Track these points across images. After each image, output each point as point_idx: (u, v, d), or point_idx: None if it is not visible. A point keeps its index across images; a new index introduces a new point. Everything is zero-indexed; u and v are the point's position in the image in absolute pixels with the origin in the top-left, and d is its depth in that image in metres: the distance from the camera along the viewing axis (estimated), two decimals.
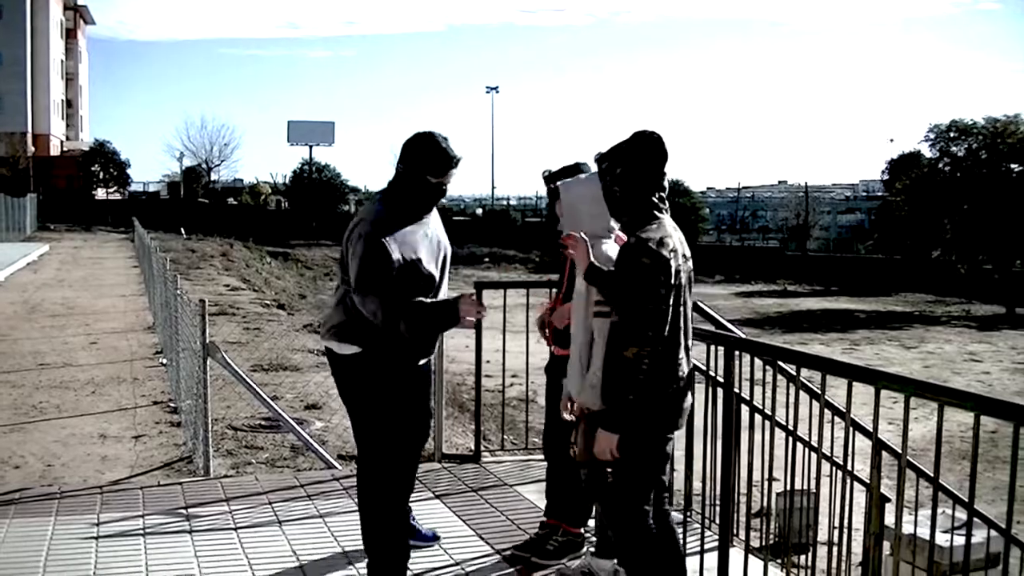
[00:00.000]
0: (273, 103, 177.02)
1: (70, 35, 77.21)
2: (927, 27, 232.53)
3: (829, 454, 4.66)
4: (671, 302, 3.87)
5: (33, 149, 64.28)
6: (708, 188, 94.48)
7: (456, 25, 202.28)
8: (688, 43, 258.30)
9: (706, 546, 4.76)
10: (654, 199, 4.01)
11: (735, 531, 5.02)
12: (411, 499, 6.18)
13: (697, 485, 5.32)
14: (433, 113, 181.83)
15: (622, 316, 3.88)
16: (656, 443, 4.10)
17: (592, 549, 4.99)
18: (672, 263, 3.87)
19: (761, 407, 5.08)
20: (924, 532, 5.25)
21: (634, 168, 4.00)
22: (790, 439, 4.29)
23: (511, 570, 5.08)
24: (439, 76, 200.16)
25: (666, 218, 4.02)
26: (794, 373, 4.29)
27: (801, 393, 4.44)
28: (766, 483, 5.83)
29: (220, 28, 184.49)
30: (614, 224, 4.45)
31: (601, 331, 4.18)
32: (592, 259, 4.15)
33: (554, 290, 5.49)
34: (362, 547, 5.04)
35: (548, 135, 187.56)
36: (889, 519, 3.72)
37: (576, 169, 4.92)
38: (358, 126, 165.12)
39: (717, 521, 4.61)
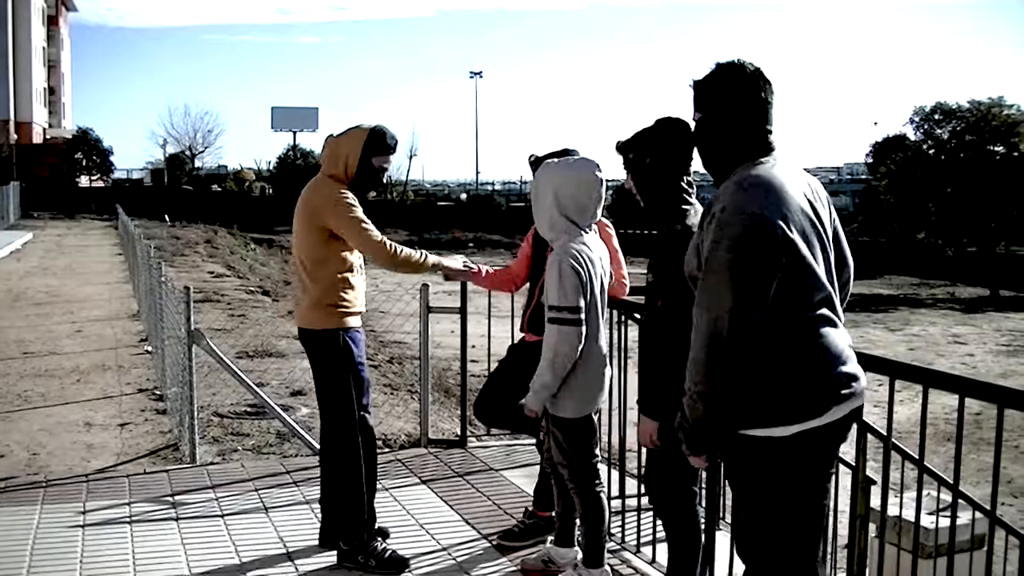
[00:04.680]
0: (260, 89, 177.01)
1: (52, 22, 76.60)
2: (912, 9, 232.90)
3: None
4: None
5: (15, 137, 63.84)
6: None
7: (447, 11, 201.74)
8: (674, 27, 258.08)
9: None
10: (683, 184, 4.04)
11: (721, 514, 5.04)
12: (397, 484, 6.21)
13: None
14: (418, 98, 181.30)
15: (670, 302, 3.82)
16: None
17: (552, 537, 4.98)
18: None
19: None
20: (909, 514, 5.26)
21: (664, 155, 3.99)
22: None
23: (497, 554, 5.09)
24: (427, 61, 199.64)
25: (696, 203, 4.05)
26: None
27: None
28: None
29: (211, 14, 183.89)
30: (578, 220, 4.36)
31: (548, 337, 4.24)
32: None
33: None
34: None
35: (532, 120, 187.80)
36: (874, 502, 3.73)
37: (564, 155, 4.82)
38: (344, 112, 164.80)
39: (703, 504, 4.62)
